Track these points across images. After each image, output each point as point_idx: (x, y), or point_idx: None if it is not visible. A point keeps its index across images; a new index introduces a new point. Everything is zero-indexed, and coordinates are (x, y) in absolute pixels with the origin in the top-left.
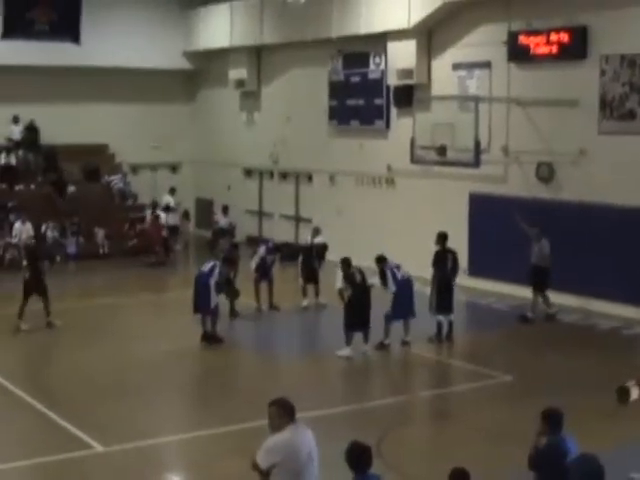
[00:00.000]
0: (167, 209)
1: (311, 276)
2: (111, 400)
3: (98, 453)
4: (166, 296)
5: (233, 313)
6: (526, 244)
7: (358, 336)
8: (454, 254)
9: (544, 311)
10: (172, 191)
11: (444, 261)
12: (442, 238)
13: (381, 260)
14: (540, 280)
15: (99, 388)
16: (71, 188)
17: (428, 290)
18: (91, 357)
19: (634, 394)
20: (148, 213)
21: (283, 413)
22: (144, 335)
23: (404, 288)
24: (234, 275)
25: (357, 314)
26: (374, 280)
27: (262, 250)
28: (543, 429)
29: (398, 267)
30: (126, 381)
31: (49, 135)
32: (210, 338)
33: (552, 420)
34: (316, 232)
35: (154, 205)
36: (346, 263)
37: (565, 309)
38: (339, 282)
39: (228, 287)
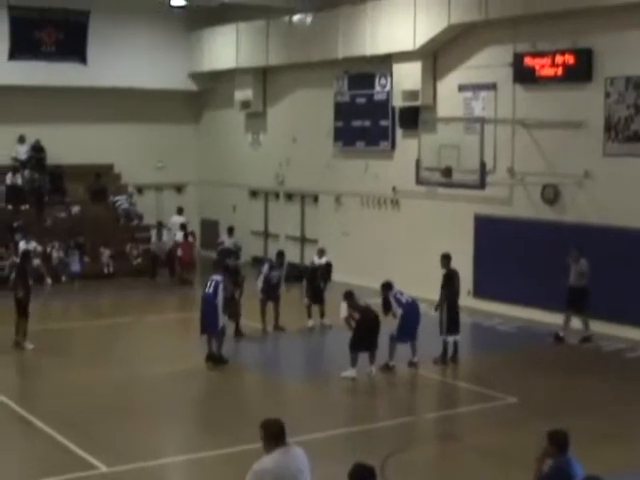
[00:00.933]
0: (183, 227)
1: (317, 297)
2: (115, 420)
3: (102, 473)
4: (170, 317)
5: (238, 333)
6: (530, 266)
7: (363, 358)
8: (457, 275)
9: (580, 332)
10: (180, 211)
11: (452, 282)
12: (447, 259)
13: (385, 287)
14: (579, 301)
15: (103, 408)
16: (76, 208)
17: (432, 312)
18: (95, 377)
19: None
20: (153, 233)
21: (268, 436)
22: (148, 356)
23: (411, 311)
24: (239, 294)
25: (365, 335)
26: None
27: (265, 268)
28: (549, 451)
29: (401, 292)
30: (130, 402)
31: (55, 155)
32: (215, 359)
33: (558, 441)
34: (321, 253)
35: (159, 225)
36: (350, 295)
37: (570, 331)
38: (344, 311)
39: (232, 307)
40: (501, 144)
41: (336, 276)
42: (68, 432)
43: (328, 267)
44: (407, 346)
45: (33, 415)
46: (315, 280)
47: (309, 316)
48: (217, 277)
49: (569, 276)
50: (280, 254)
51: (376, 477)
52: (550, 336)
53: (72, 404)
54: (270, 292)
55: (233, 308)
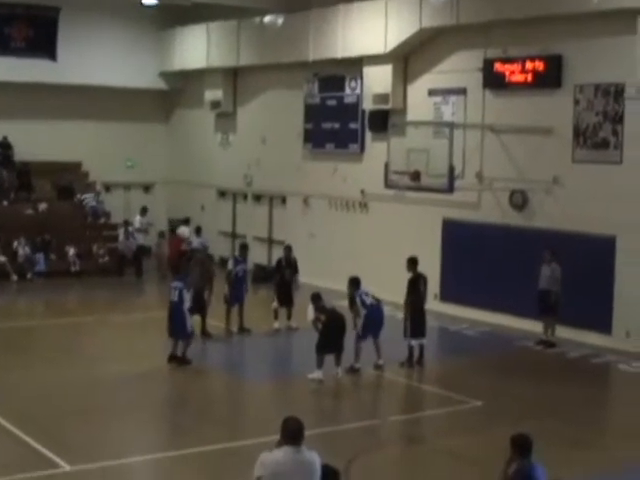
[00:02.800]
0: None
1: (286, 299)
2: (78, 420)
3: (65, 472)
4: (136, 316)
5: (205, 334)
6: (497, 271)
7: (329, 360)
8: (425, 278)
9: (546, 336)
10: (143, 211)
11: (418, 286)
12: (413, 263)
13: (352, 284)
14: (550, 304)
15: (65, 407)
16: (43, 205)
17: (400, 315)
18: (58, 376)
19: None
20: (121, 232)
21: (283, 433)
22: (112, 355)
23: (373, 313)
24: (209, 293)
25: (331, 338)
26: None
27: (230, 264)
28: (512, 455)
29: (367, 294)
30: (93, 401)
31: (23, 152)
32: (178, 360)
33: (521, 446)
34: (288, 250)
35: (126, 224)
36: (317, 298)
37: (534, 336)
38: (311, 314)
39: (200, 304)
40: (470, 149)
41: (303, 278)
42: (30, 430)
43: (295, 261)
44: (373, 349)
45: None
46: (281, 270)
47: (275, 317)
48: (178, 284)
49: (539, 280)
50: (243, 246)
51: (341, 478)
52: (517, 340)
53: (34, 403)
54: (236, 287)
55: (201, 305)
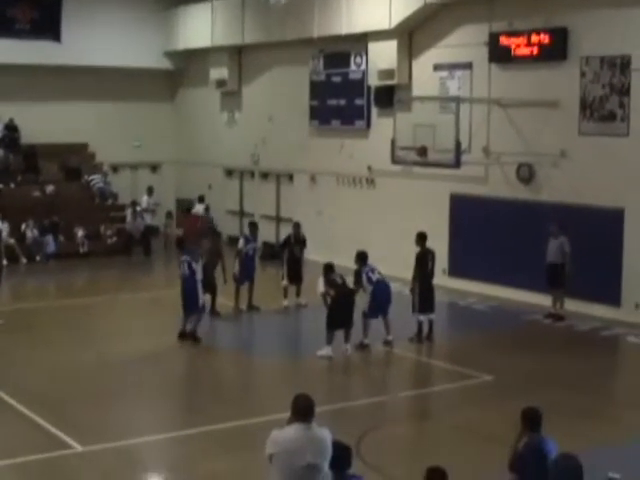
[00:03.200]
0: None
1: (295, 275)
2: (89, 400)
3: (77, 453)
4: (145, 295)
5: (214, 312)
6: (505, 245)
7: (339, 336)
8: (433, 254)
9: (554, 309)
10: (150, 191)
11: (425, 261)
12: (422, 238)
13: (361, 258)
14: (558, 277)
15: (78, 388)
16: (50, 187)
17: (407, 290)
18: (67, 357)
19: None
20: (128, 212)
21: (293, 410)
22: (123, 335)
23: (380, 289)
24: (224, 272)
25: (340, 313)
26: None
27: (241, 243)
28: (522, 429)
29: (373, 270)
30: (104, 381)
31: (29, 134)
32: (189, 337)
33: (531, 420)
34: (297, 227)
35: (133, 204)
36: (329, 269)
37: (543, 309)
38: (321, 286)
39: (210, 281)
40: (476, 123)
41: (311, 255)
42: (41, 411)
43: (304, 238)
44: (382, 325)
45: (5, 393)
46: (290, 247)
47: (285, 296)
48: (186, 257)
49: (547, 253)
50: (253, 225)
51: (352, 455)
52: (526, 314)
53: (45, 383)
54: (247, 266)
55: (211, 284)
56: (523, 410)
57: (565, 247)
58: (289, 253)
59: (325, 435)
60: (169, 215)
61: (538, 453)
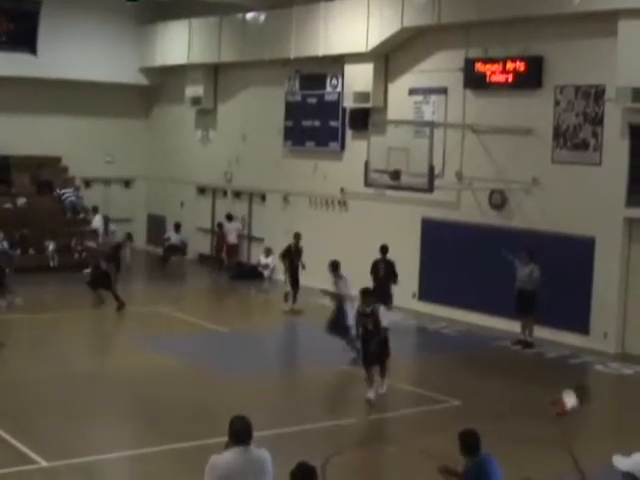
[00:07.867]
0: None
1: (293, 281)
2: (55, 415)
3: (41, 468)
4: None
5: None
6: (476, 270)
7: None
8: (389, 262)
9: (523, 336)
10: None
11: (377, 269)
12: (381, 249)
13: (333, 267)
14: (527, 304)
15: (42, 403)
16: (22, 200)
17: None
18: (33, 371)
19: (569, 402)
20: (100, 228)
21: (230, 433)
22: (88, 350)
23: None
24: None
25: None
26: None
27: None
28: (461, 454)
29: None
30: (69, 397)
31: (2, 146)
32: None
33: (468, 443)
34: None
35: (106, 219)
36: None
37: (512, 336)
38: (385, 321)
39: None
40: (450, 148)
41: (281, 275)
42: (6, 426)
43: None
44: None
45: None
46: (291, 256)
47: (285, 300)
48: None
49: (517, 280)
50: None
51: (317, 477)
52: (496, 340)
53: (10, 398)
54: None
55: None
56: (460, 433)
57: (535, 274)
58: (289, 262)
59: (265, 456)
60: (129, 237)
61: (483, 473)
